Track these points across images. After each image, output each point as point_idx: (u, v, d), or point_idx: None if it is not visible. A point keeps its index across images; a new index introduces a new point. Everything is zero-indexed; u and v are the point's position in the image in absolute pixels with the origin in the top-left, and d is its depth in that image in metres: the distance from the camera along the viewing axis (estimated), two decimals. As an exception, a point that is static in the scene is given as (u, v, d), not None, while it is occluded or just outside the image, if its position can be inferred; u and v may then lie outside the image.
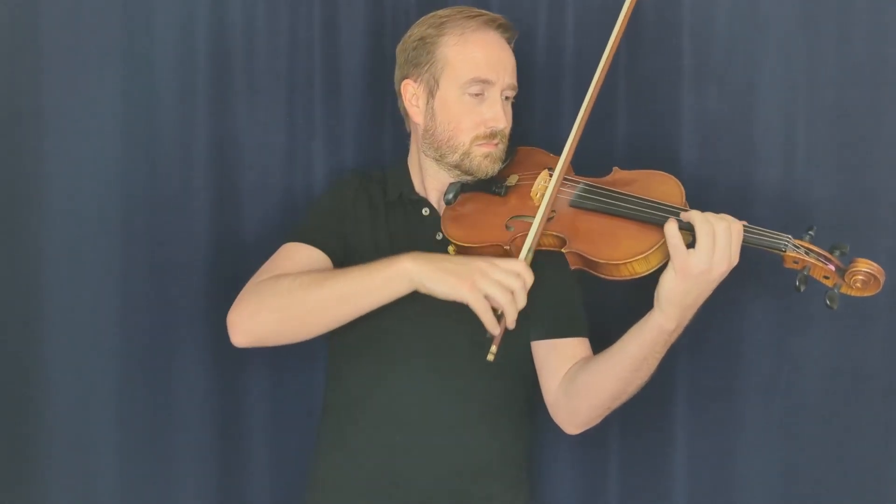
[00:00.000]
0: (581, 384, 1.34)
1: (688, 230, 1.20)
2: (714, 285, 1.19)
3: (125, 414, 1.69)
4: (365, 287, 1.27)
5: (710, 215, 1.19)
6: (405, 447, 1.37)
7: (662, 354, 1.27)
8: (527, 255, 1.24)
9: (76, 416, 1.69)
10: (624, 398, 1.32)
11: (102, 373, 1.69)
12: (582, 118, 1.33)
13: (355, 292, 1.27)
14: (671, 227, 1.19)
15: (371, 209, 1.47)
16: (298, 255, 1.40)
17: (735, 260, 1.18)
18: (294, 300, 1.29)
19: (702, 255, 1.16)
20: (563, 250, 1.30)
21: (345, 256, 1.42)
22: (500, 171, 1.44)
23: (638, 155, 1.58)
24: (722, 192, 1.57)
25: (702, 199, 1.53)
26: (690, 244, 1.19)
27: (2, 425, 1.70)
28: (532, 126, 1.63)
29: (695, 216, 1.19)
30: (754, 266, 1.51)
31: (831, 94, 1.56)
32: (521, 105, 1.54)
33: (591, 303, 1.48)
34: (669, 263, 1.19)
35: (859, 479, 1.58)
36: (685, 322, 1.23)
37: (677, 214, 1.23)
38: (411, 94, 1.46)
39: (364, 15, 1.67)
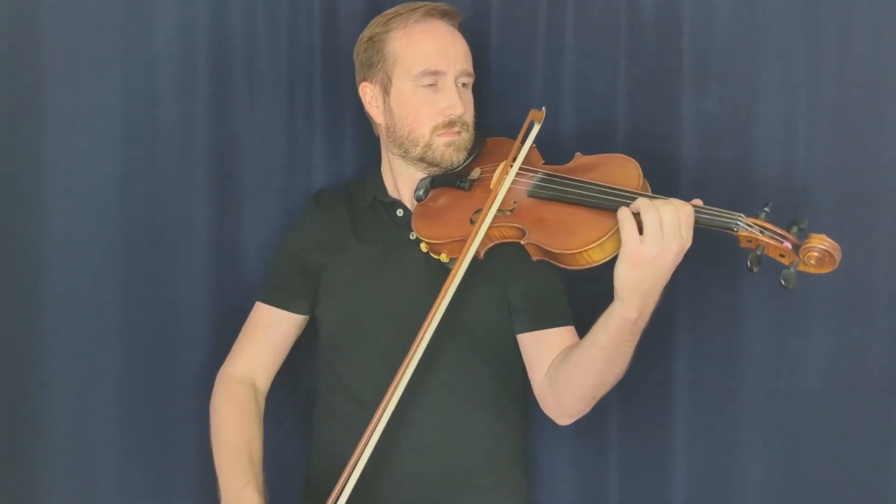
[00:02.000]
0: (561, 377, 1.34)
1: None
2: (670, 269, 1.16)
3: (125, 414, 1.69)
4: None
5: (657, 200, 1.17)
6: (398, 445, 1.37)
7: (635, 342, 1.24)
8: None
9: (76, 416, 1.69)
10: (607, 387, 1.31)
11: (102, 373, 1.69)
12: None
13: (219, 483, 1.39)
14: (623, 213, 1.17)
15: (334, 228, 1.50)
16: (267, 322, 1.50)
17: (688, 242, 1.15)
18: (212, 438, 1.45)
19: (650, 241, 1.13)
20: (521, 242, 1.28)
21: (317, 292, 1.49)
22: (467, 165, 1.44)
23: (637, 155, 1.58)
24: (722, 191, 1.57)
25: (701, 198, 1.53)
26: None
27: (2, 425, 1.70)
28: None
29: (641, 203, 1.17)
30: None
31: (831, 94, 1.56)
32: (521, 104, 1.54)
33: (581, 290, 1.47)
34: (620, 253, 1.16)
35: (859, 479, 1.58)
36: (649, 308, 1.20)
37: (630, 200, 1.20)
38: (370, 95, 1.46)
39: (364, 15, 1.66)
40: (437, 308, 1.27)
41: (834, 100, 1.56)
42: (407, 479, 1.38)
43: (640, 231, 1.15)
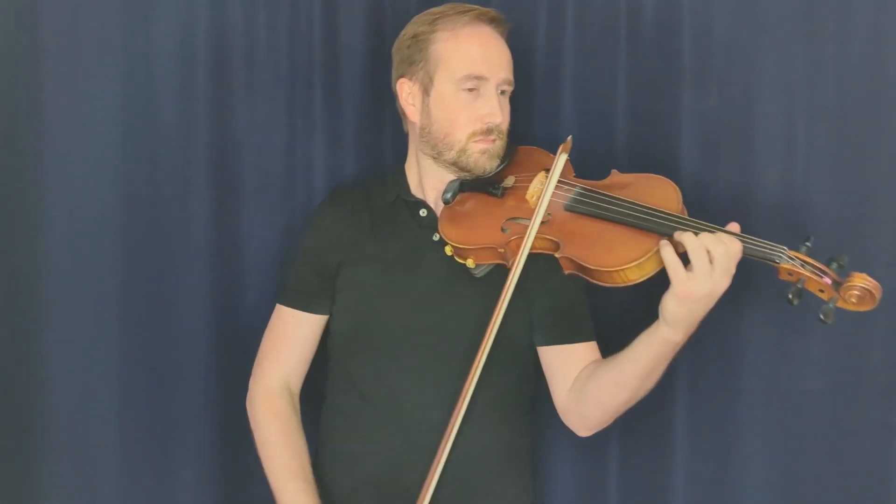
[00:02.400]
0: (591, 393, 1.34)
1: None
2: (717, 298, 1.17)
3: (125, 414, 1.69)
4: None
5: (705, 238, 1.15)
6: (405, 446, 1.37)
7: (670, 361, 1.26)
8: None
9: (76, 416, 1.69)
10: (634, 402, 1.33)
11: (102, 373, 1.69)
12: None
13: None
14: (668, 253, 1.17)
15: (352, 227, 1.48)
16: (291, 326, 1.50)
17: (733, 271, 1.16)
18: (261, 453, 1.48)
19: (701, 280, 1.14)
20: (555, 254, 1.28)
21: (334, 291, 1.47)
22: (499, 172, 1.43)
23: (638, 155, 1.58)
24: (722, 192, 1.57)
25: (702, 199, 1.53)
26: (683, 254, 1.16)
27: (2, 425, 1.70)
28: (532, 126, 1.63)
29: (688, 241, 1.15)
30: (754, 267, 1.51)
31: (831, 94, 1.56)
32: (521, 105, 1.54)
33: (599, 305, 1.48)
34: (670, 288, 1.16)
35: (859, 479, 1.58)
36: (693, 329, 1.21)
37: (673, 224, 1.20)
38: (407, 92, 1.45)
39: (364, 15, 1.67)
40: (494, 323, 1.29)
41: (834, 100, 1.56)
42: (416, 482, 1.37)
43: (685, 263, 1.15)
